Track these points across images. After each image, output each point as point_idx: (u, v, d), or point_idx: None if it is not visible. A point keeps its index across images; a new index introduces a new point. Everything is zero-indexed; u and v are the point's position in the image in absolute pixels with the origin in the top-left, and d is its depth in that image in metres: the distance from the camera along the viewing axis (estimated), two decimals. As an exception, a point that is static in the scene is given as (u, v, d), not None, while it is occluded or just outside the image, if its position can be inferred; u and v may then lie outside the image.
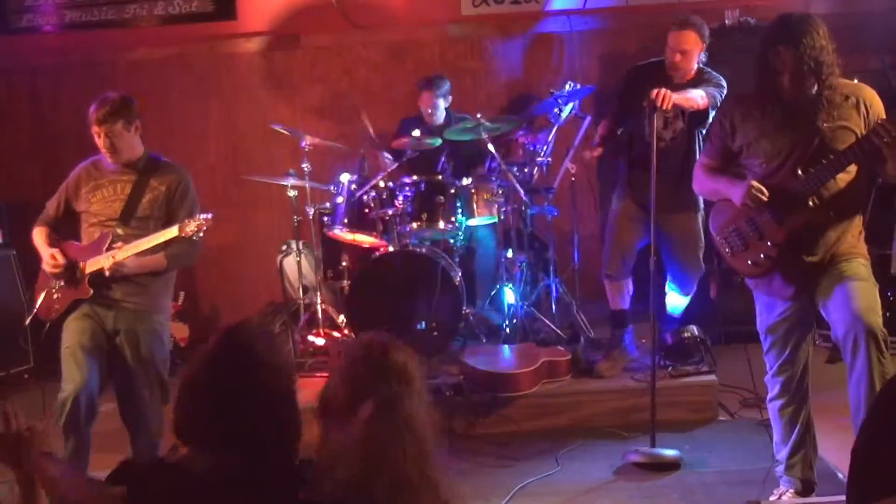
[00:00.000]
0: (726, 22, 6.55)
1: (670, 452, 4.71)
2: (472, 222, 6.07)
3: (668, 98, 4.81)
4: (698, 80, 5.32)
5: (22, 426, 2.44)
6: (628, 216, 5.59)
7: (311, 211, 6.22)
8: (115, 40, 7.28)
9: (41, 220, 4.59)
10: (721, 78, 5.35)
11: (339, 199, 6.07)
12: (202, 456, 2.22)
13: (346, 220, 6.00)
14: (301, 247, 6.34)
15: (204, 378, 2.26)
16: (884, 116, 3.76)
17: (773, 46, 3.73)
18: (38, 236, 4.53)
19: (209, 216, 4.31)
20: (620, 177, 5.74)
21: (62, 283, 4.41)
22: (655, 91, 4.82)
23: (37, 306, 4.52)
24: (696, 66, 5.35)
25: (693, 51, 5.28)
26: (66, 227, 4.58)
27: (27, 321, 4.61)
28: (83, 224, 4.51)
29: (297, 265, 6.33)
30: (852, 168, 3.77)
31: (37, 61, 7.33)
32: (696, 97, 5.15)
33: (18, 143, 7.31)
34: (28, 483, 2.42)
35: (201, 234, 4.31)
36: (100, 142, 4.40)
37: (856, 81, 3.90)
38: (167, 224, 4.43)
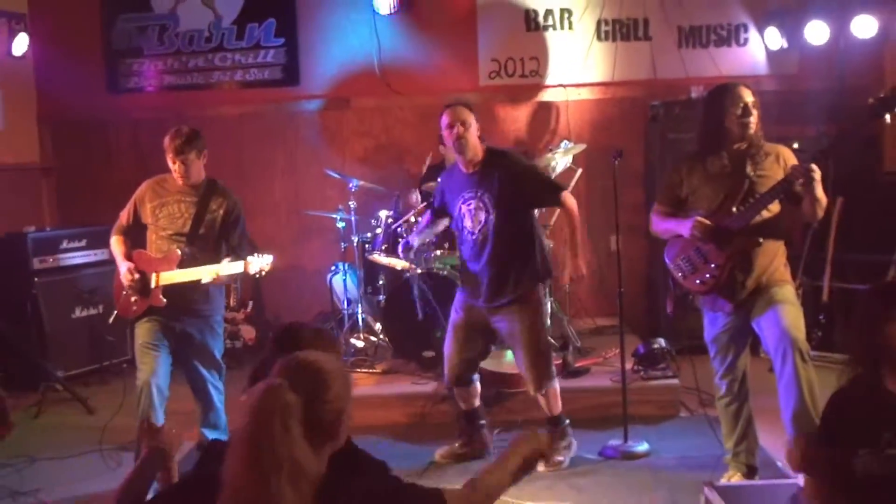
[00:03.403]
0: (692, 96, 6.58)
1: (641, 448, 4.69)
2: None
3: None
4: (489, 165, 4.39)
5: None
6: (465, 323, 4.54)
7: (355, 239, 6.26)
8: (202, 100, 7.36)
9: (116, 229, 4.58)
10: (513, 151, 4.59)
11: (378, 230, 6.11)
12: None
13: (383, 247, 6.03)
14: (346, 267, 6.38)
15: (262, 371, 2.22)
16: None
17: (727, 98, 3.82)
18: (116, 246, 4.53)
19: (271, 258, 4.27)
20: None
21: (137, 293, 4.43)
22: None
23: (116, 307, 4.57)
24: (482, 148, 4.42)
25: (471, 124, 4.33)
26: (135, 234, 4.59)
27: (111, 319, 4.66)
28: (151, 234, 4.49)
29: (343, 282, 6.37)
30: (774, 206, 3.86)
31: (139, 116, 7.41)
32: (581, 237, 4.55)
33: (123, 180, 7.27)
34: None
35: (264, 273, 4.27)
36: (174, 167, 4.39)
37: (795, 145, 3.98)
38: (220, 241, 4.47)
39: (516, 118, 7.30)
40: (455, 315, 4.59)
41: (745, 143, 3.87)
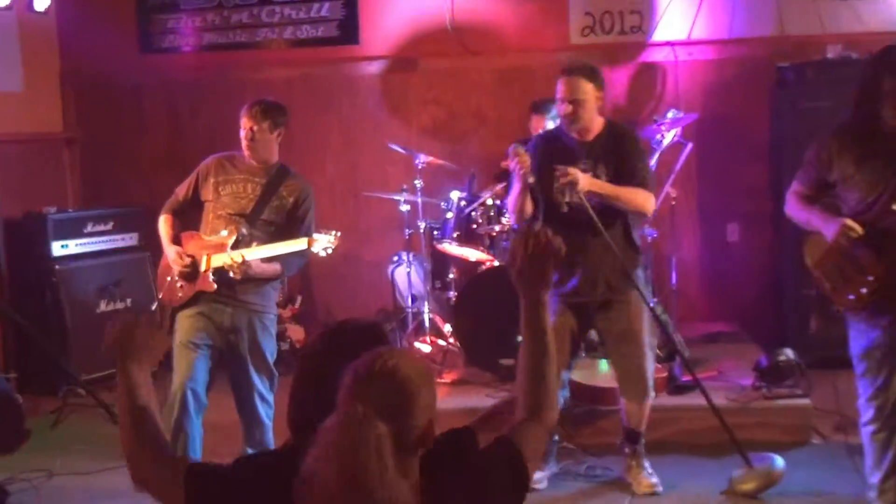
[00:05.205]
0: (829, 56, 6.37)
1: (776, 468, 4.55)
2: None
3: (571, 180, 4.22)
4: (610, 139, 4.49)
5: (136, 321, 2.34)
6: (559, 324, 4.44)
7: (422, 225, 6.23)
8: (246, 61, 7.40)
9: (168, 206, 4.65)
10: (636, 133, 4.65)
11: (449, 215, 6.08)
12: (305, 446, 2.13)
13: (454, 235, 5.99)
14: (411, 258, 6.35)
15: (304, 371, 2.24)
16: None
17: (886, 71, 3.59)
18: (164, 226, 4.59)
19: (338, 234, 4.35)
20: None
21: (185, 279, 4.47)
22: (562, 170, 4.25)
23: (160, 293, 4.62)
24: (601, 120, 4.50)
25: (587, 100, 4.37)
26: (189, 214, 4.64)
27: (153, 307, 4.72)
28: (208, 213, 4.55)
29: (407, 276, 6.34)
30: None
31: (175, 78, 7.49)
32: (625, 195, 4.36)
33: (156, 154, 7.48)
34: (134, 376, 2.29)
35: (330, 252, 4.33)
36: (243, 133, 4.48)
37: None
38: (286, 231, 4.48)
39: (614, 83, 7.12)
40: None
41: None
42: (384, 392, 1.90)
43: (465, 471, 2.13)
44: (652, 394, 4.66)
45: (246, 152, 4.52)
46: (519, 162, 4.35)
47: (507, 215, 5.84)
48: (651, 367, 4.62)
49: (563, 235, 4.23)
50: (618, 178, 4.42)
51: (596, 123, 4.49)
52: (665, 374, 5.48)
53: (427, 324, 6.23)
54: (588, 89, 4.37)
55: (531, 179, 4.37)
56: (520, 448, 2.19)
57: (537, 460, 2.32)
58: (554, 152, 4.49)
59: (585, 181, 4.27)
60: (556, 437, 4.82)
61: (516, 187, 4.48)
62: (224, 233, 4.42)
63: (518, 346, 2.37)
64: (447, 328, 6.23)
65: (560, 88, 4.42)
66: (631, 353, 4.54)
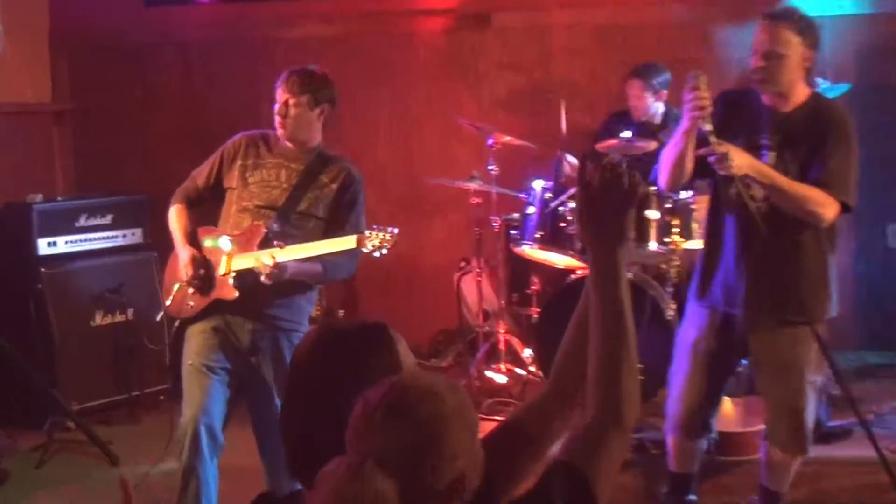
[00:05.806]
0: None
1: None
2: (691, 245, 5.89)
3: (721, 157, 4.02)
4: (811, 116, 4.25)
5: None
6: (707, 343, 4.43)
7: (496, 222, 6.17)
8: (277, 15, 7.44)
9: (182, 194, 4.67)
10: (847, 117, 4.30)
11: (531, 210, 6.03)
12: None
13: (537, 235, 5.93)
14: (483, 265, 6.31)
15: (292, 382, 2.22)
16: None
17: None
18: (176, 219, 4.61)
19: (395, 231, 4.31)
20: (698, 265, 4.63)
21: (196, 288, 4.49)
22: (715, 142, 4.02)
23: (169, 301, 4.62)
24: (806, 90, 4.30)
25: (789, 57, 4.17)
26: (208, 204, 4.67)
27: (158, 317, 4.72)
28: (231, 205, 4.57)
29: (477, 286, 6.30)
30: None
31: (189, 37, 7.56)
32: (794, 191, 4.11)
33: (165, 130, 7.53)
34: None
35: (384, 252, 4.30)
36: (277, 109, 4.52)
37: None
38: (328, 226, 4.49)
39: (740, 44, 6.99)
40: (691, 332, 4.49)
41: None
42: (398, 434, 1.86)
43: None
44: (810, 450, 4.47)
45: (279, 131, 4.53)
46: (696, 98, 4.08)
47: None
48: (812, 414, 4.43)
49: (730, 228, 4.27)
50: (806, 167, 4.21)
51: (798, 92, 4.28)
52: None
53: (502, 347, 6.19)
54: (793, 43, 4.16)
55: (707, 127, 4.06)
56: (585, 472, 2.07)
57: (610, 483, 2.12)
58: (735, 115, 4.31)
59: (742, 161, 4.06)
60: (694, 497, 4.72)
61: (682, 126, 4.21)
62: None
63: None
64: (527, 353, 6.20)
65: (756, 38, 4.24)
66: (789, 392, 4.37)
